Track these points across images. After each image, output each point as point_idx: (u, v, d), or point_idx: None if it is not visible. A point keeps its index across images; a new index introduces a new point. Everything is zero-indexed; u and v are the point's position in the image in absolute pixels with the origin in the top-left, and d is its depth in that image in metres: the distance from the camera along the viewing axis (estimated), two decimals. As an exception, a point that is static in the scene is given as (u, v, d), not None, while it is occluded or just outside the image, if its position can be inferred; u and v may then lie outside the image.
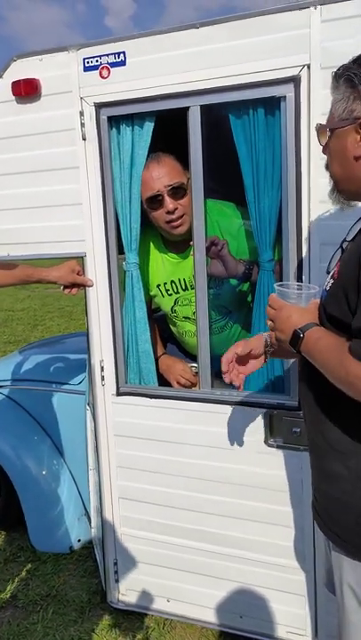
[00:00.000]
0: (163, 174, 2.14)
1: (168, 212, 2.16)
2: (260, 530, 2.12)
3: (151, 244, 2.37)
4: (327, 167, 1.37)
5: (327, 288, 1.34)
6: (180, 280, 2.35)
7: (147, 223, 2.26)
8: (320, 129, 1.36)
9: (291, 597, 2.12)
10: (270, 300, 1.43)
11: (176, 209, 2.15)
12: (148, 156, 2.10)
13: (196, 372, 2.25)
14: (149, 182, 2.14)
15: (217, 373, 2.19)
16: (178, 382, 2.39)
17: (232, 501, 2.14)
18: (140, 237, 2.20)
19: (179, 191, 2.14)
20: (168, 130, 2.05)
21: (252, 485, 2.09)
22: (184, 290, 2.36)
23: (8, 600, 2.62)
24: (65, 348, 3.74)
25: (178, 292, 2.37)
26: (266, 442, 2.03)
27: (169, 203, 2.15)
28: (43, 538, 2.94)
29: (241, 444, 2.08)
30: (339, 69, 1.29)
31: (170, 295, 2.39)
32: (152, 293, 2.42)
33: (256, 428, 2.05)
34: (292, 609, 2.12)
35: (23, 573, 2.79)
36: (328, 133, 1.33)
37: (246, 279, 2.23)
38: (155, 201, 2.16)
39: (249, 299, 2.37)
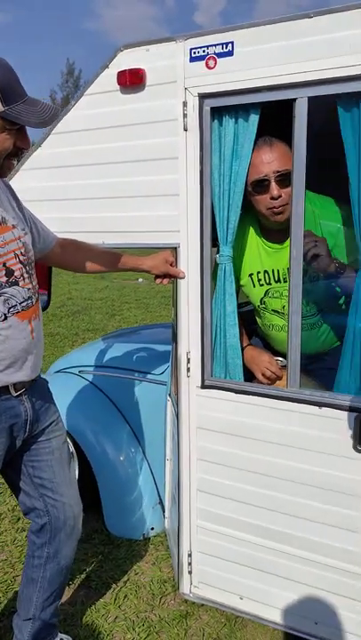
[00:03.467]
0: (273, 159, 2.13)
1: (272, 198, 2.15)
2: (342, 536, 2.06)
3: (249, 231, 2.35)
4: None
5: None
6: (273, 271, 2.32)
7: (246, 210, 2.24)
8: None
9: (370, 609, 2.05)
10: None
11: (280, 196, 2.14)
12: (257, 139, 2.07)
13: (283, 366, 2.21)
14: (258, 166, 2.13)
15: (305, 372, 2.16)
16: (263, 374, 2.36)
17: (314, 505, 2.09)
18: (242, 224, 2.17)
19: (286, 178, 2.11)
20: (281, 116, 2.01)
21: (337, 491, 2.03)
22: (276, 281, 2.32)
23: (83, 580, 2.69)
24: (147, 339, 3.78)
25: (270, 284, 2.34)
26: (355, 447, 1.97)
27: (274, 189, 2.13)
28: (117, 522, 2.99)
29: (328, 447, 2.03)
30: None
31: (261, 286, 2.36)
32: (242, 282, 2.40)
33: (345, 433, 1.98)
34: (370, 621, 2.05)
35: (97, 555, 2.85)
36: None
37: (335, 279, 2.17)
38: (261, 185, 2.15)
39: (342, 300, 2.30)
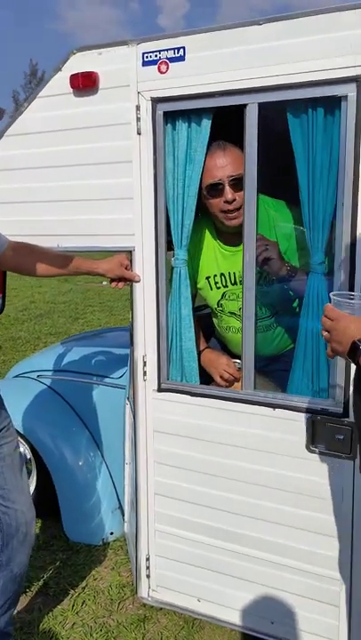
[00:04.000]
0: (227, 163, 2.15)
1: (226, 202, 2.17)
2: (297, 536, 2.08)
3: (205, 234, 2.37)
4: None
5: None
6: (230, 274, 2.34)
7: (202, 213, 2.26)
8: None
9: (324, 607, 2.08)
10: (326, 310, 1.38)
11: (234, 200, 2.16)
12: (210, 144, 2.09)
13: (239, 368, 2.23)
14: (212, 170, 2.15)
15: (262, 373, 2.18)
16: (221, 377, 2.37)
17: (269, 505, 2.11)
18: (193, 228, 2.19)
19: (240, 183, 2.13)
20: (232, 121, 2.03)
21: (291, 491, 2.05)
22: (233, 284, 2.34)
23: (40, 587, 2.65)
24: (106, 342, 3.77)
25: (227, 286, 2.36)
26: (308, 447, 2.00)
27: (228, 192, 2.16)
28: (76, 528, 2.96)
29: (282, 448, 2.05)
30: None
31: (218, 288, 2.38)
32: (199, 285, 2.42)
33: (298, 433, 2.01)
34: (325, 619, 2.08)
35: (55, 562, 2.82)
36: None
37: (288, 282, 2.21)
38: (215, 189, 2.17)
39: (296, 303, 2.34)
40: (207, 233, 2.39)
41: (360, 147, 1.77)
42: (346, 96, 1.77)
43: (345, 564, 2.00)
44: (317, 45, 1.77)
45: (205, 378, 2.39)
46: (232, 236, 2.30)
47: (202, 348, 2.46)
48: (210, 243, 2.40)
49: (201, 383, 2.28)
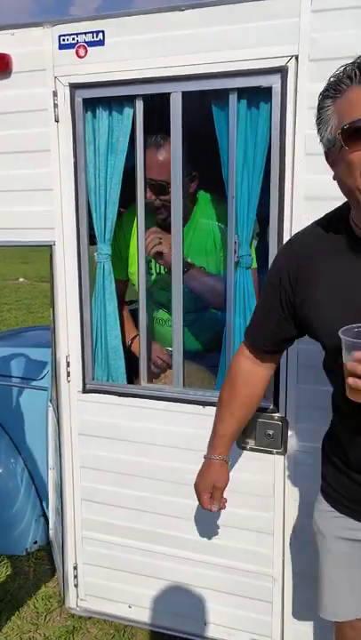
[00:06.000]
0: (154, 165, 2.04)
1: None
2: (229, 534, 2.05)
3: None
4: None
5: None
6: None
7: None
8: None
9: (257, 604, 2.06)
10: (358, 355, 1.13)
11: (156, 200, 2.09)
12: (151, 137, 2.02)
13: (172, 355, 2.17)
14: (147, 166, 2.04)
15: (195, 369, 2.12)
16: (154, 363, 2.30)
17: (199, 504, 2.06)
18: (128, 214, 2.09)
19: (164, 189, 2.05)
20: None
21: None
22: (166, 273, 2.27)
23: None
24: (26, 342, 3.61)
25: (159, 273, 2.29)
26: (238, 444, 1.97)
27: (148, 192, 2.07)
28: (-3, 539, 2.81)
29: (212, 445, 2.01)
30: None
31: (151, 275, 2.30)
32: (131, 270, 2.32)
33: (228, 430, 1.98)
34: (258, 616, 2.07)
35: (-24, 577, 2.66)
36: None
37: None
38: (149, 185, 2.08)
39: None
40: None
41: (285, 139, 1.75)
42: (270, 87, 1.74)
43: (277, 561, 2.00)
44: (241, 34, 1.73)
45: (133, 376, 2.31)
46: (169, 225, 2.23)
47: (132, 335, 2.38)
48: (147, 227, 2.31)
49: (129, 382, 2.20)
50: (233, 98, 1.79)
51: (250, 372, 1.59)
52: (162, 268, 2.29)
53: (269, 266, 1.51)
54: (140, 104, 1.90)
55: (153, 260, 2.29)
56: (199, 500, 1.72)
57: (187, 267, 2.12)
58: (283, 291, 1.41)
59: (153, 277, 2.32)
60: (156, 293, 2.34)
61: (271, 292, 1.44)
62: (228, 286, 1.96)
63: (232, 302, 1.96)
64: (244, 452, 1.97)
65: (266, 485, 1.97)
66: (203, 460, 1.70)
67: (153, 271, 2.32)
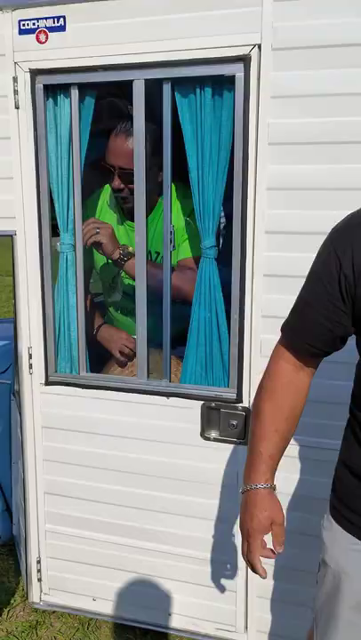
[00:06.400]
0: (122, 153, 2.02)
1: (115, 189, 2.07)
2: (194, 525, 2.06)
3: (108, 211, 2.26)
4: None
5: None
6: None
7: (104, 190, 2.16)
8: None
9: (220, 593, 2.07)
10: None
11: (123, 189, 2.07)
12: (121, 123, 2.00)
13: None
14: (109, 152, 2.03)
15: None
16: (121, 352, 2.27)
17: (166, 496, 2.06)
18: (91, 201, 2.08)
19: (131, 176, 2.03)
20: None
21: (188, 479, 2.02)
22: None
23: None
24: (-12, 335, 3.53)
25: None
26: (202, 435, 1.97)
27: (116, 181, 2.07)
28: None
29: (176, 437, 2.01)
30: None
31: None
32: (96, 258, 2.29)
33: (192, 421, 1.98)
34: (223, 605, 2.08)
35: None
36: None
37: (120, 267, 2.15)
38: (108, 170, 2.07)
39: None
40: (111, 210, 2.27)
41: (249, 128, 1.75)
42: (233, 76, 1.74)
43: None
44: (205, 22, 1.72)
45: (97, 367, 2.29)
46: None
47: (98, 324, 2.36)
48: (114, 214, 2.28)
49: (93, 372, 2.17)
50: (195, 87, 1.78)
51: (292, 379, 1.32)
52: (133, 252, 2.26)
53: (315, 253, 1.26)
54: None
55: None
56: (250, 547, 1.32)
57: (128, 256, 2.10)
58: (344, 278, 1.16)
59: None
60: (120, 282, 2.31)
61: (326, 280, 1.19)
62: (165, 279, 1.96)
63: (200, 294, 1.95)
64: (209, 442, 1.97)
65: (230, 475, 1.97)
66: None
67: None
